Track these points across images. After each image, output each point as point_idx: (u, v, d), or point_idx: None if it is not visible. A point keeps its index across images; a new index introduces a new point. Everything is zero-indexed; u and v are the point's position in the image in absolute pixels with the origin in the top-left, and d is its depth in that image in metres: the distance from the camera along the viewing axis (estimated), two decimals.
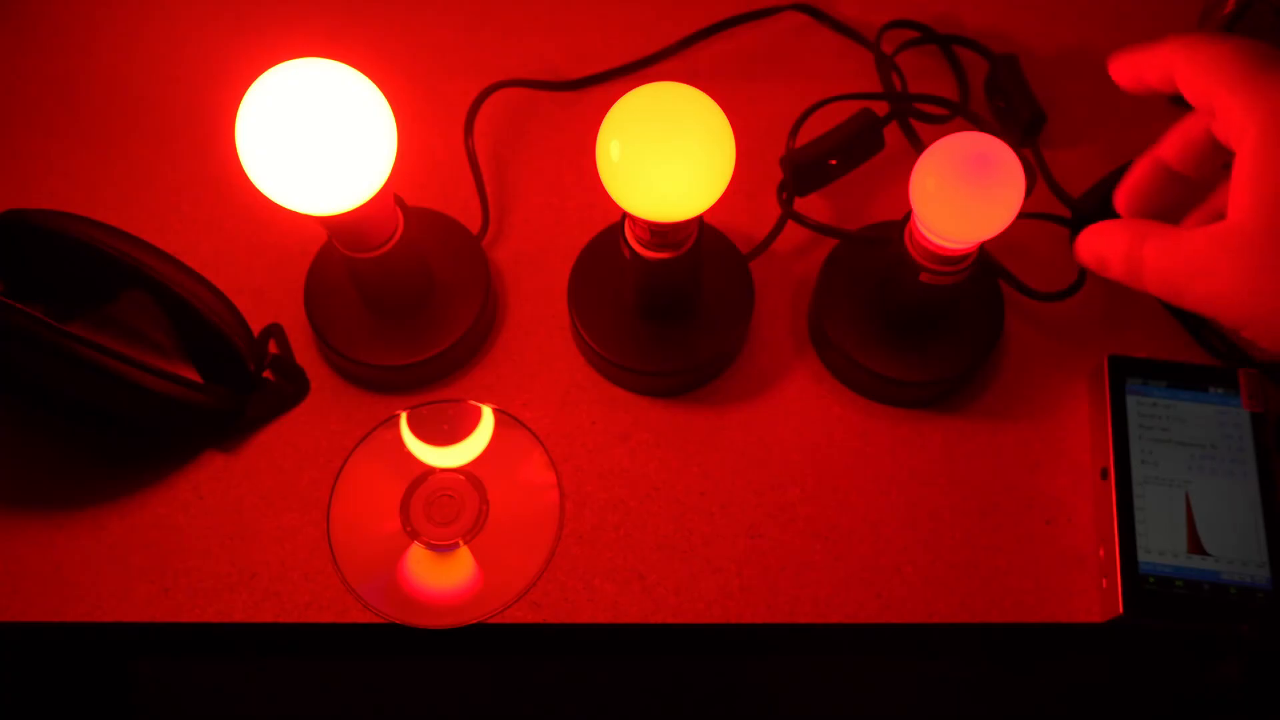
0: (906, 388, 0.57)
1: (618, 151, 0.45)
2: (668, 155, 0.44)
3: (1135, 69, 0.37)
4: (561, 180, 0.65)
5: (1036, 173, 0.64)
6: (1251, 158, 0.31)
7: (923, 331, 0.57)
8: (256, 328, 0.58)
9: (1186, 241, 0.33)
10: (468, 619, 0.52)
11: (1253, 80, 0.32)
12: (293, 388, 0.58)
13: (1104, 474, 0.54)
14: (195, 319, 0.54)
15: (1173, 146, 0.38)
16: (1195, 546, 0.51)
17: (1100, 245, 0.37)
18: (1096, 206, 0.62)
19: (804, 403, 0.58)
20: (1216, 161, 0.38)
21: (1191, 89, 0.34)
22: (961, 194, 0.46)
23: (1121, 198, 0.40)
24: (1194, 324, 0.59)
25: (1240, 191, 0.31)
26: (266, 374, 0.58)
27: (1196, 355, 0.59)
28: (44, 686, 0.76)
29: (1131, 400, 0.55)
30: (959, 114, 0.65)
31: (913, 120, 0.65)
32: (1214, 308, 0.32)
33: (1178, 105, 0.69)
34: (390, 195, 0.52)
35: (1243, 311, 0.32)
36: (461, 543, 0.54)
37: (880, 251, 0.55)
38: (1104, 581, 0.52)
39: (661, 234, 0.49)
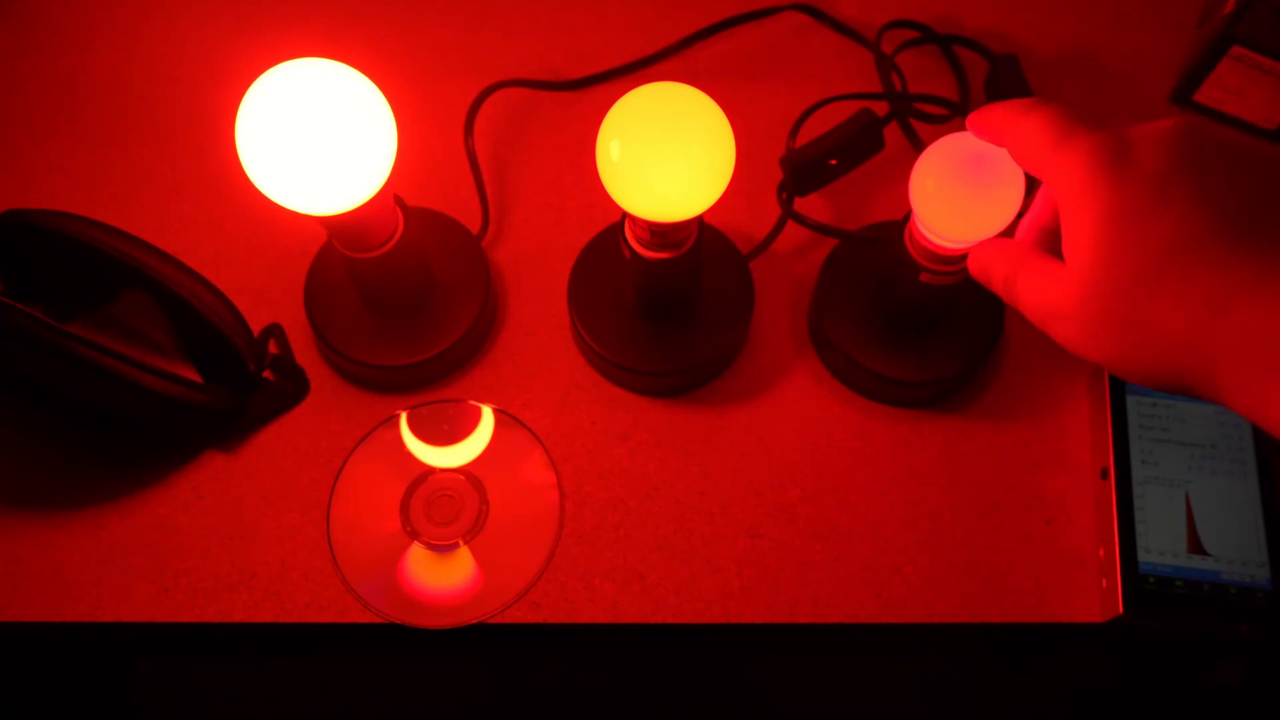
0: (906, 388, 0.57)
1: (618, 151, 0.45)
2: (668, 155, 0.44)
3: (984, 128, 0.41)
4: (561, 180, 0.65)
5: None
6: (1066, 223, 0.35)
7: (923, 331, 0.57)
8: (256, 328, 0.58)
9: (1049, 283, 0.36)
10: (468, 619, 0.52)
11: (1056, 150, 0.35)
12: (293, 388, 0.58)
13: (1104, 474, 0.54)
14: (195, 319, 0.54)
15: (1041, 206, 0.42)
16: (1195, 546, 0.51)
17: (986, 263, 0.41)
18: None
19: (804, 403, 0.58)
20: None
21: (1018, 157, 0.38)
22: (961, 194, 0.46)
23: (1019, 230, 0.43)
24: None
25: (1069, 248, 0.35)
26: (266, 374, 0.58)
27: None
28: (44, 686, 0.76)
29: (1131, 400, 0.55)
30: (959, 114, 0.65)
31: (913, 120, 0.65)
32: (1070, 348, 0.36)
33: (1176, 104, 0.69)
34: (390, 195, 0.52)
35: (1090, 353, 0.35)
36: (461, 543, 0.54)
37: (880, 251, 0.55)
38: (1104, 581, 0.52)
39: (661, 234, 0.49)
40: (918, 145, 0.65)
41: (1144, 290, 0.33)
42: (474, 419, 0.57)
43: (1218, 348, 0.32)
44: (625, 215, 0.51)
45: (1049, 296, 0.36)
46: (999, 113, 0.39)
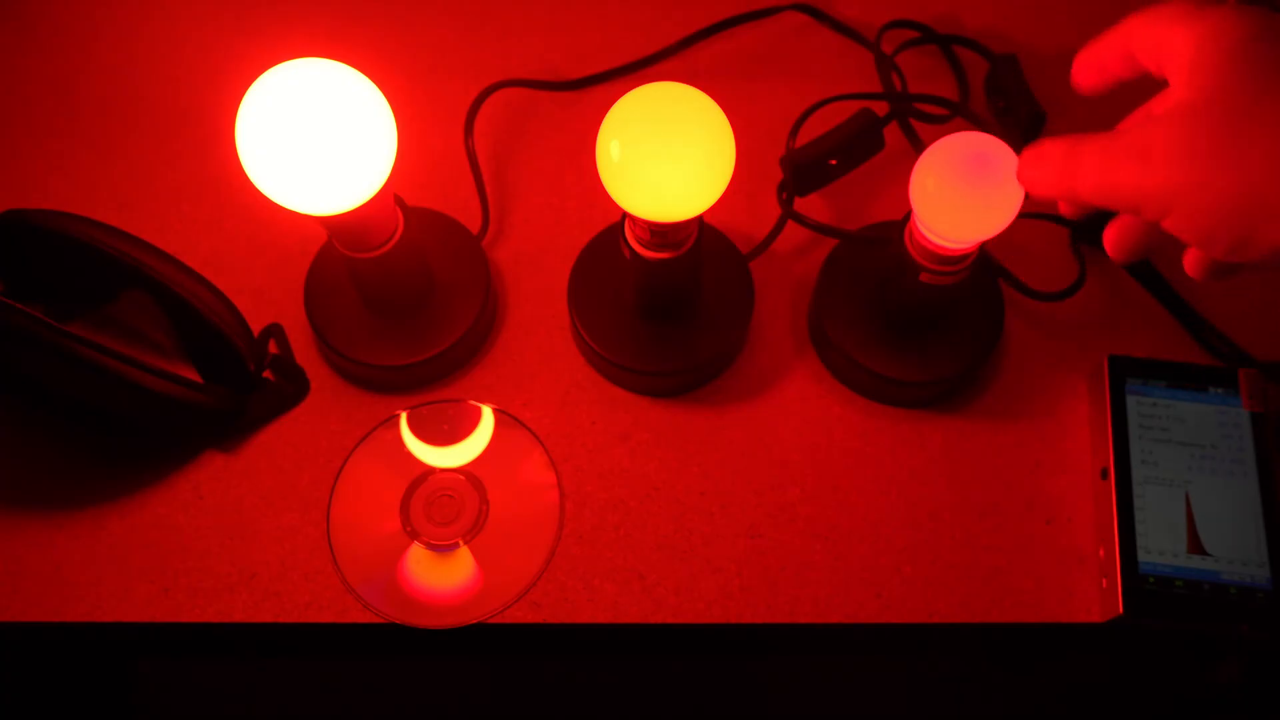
0: (906, 388, 0.57)
1: (618, 151, 0.45)
2: (668, 155, 0.44)
3: (1097, 58, 0.39)
4: (561, 180, 0.65)
5: None
6: (1196, 49, 0.32)
7: (923, 331, 0.57)
8: (256, 328, 0.58)
9: (1124, 130, 0.34)
10: (468, 619, 0.52)
11: (1189, 9, 0.34)
12: (293, 388, 0.58)
13: (1104, 474, 0.54)
14: (195, 319, 0.54)
15: (1103, 41, 0.39)
16: (1195, 546, 0.51)
17: (1039, 154, 0.38)
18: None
19: (804, 403, 0.58)
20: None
21: (1147, 44, 0.36)
22: (961, 194, 0.46)
23: (1074, 77, 0.41)
24: (1194, 324, 0.59)
25: (1181, 79, 0.32)
26: (266, 374, 0.58)
27: (1196, 355, 0.59)
28: (44, 686, 0.76)
29: (1131, 400, 0.55)
30: (959, 114, 0.65)
31: (913, 120, 0.65)
32: (1143, 191, 0.32)
33: None
34: (390, 195, 0.52)
35: (1168, 190, 0.32)
36: (461, 543, 0.54)
37: (880, 251, 0.55)
38: (1104, 581, 0.52)
39: (661, 234, 0.49)
40: (918, 145, 0.65)
41: (1260, 105, 0.30)
42: (474, 419, 0.57)
43: None
44: (625, 215, 0.51)
45: (1130, 140, 0.33)
46: (1122, 22, 0.37)
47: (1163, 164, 0.32)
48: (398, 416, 0.57)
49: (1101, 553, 0.53)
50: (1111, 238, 0.43)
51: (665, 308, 0.57)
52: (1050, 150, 0.37)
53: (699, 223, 0.51)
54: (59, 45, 0.71)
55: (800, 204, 0.62)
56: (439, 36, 0.71)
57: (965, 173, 0.45)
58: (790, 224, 0.61)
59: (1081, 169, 0.35)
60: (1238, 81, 0.31)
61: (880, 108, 0.64)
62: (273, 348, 0.58)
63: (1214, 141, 0.31)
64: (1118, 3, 0.72)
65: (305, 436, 0.57)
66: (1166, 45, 0.34)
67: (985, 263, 0.59)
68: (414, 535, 0.54)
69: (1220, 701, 0.59)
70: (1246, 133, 0.30)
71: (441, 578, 0.54)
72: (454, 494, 0.55)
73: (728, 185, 0.46)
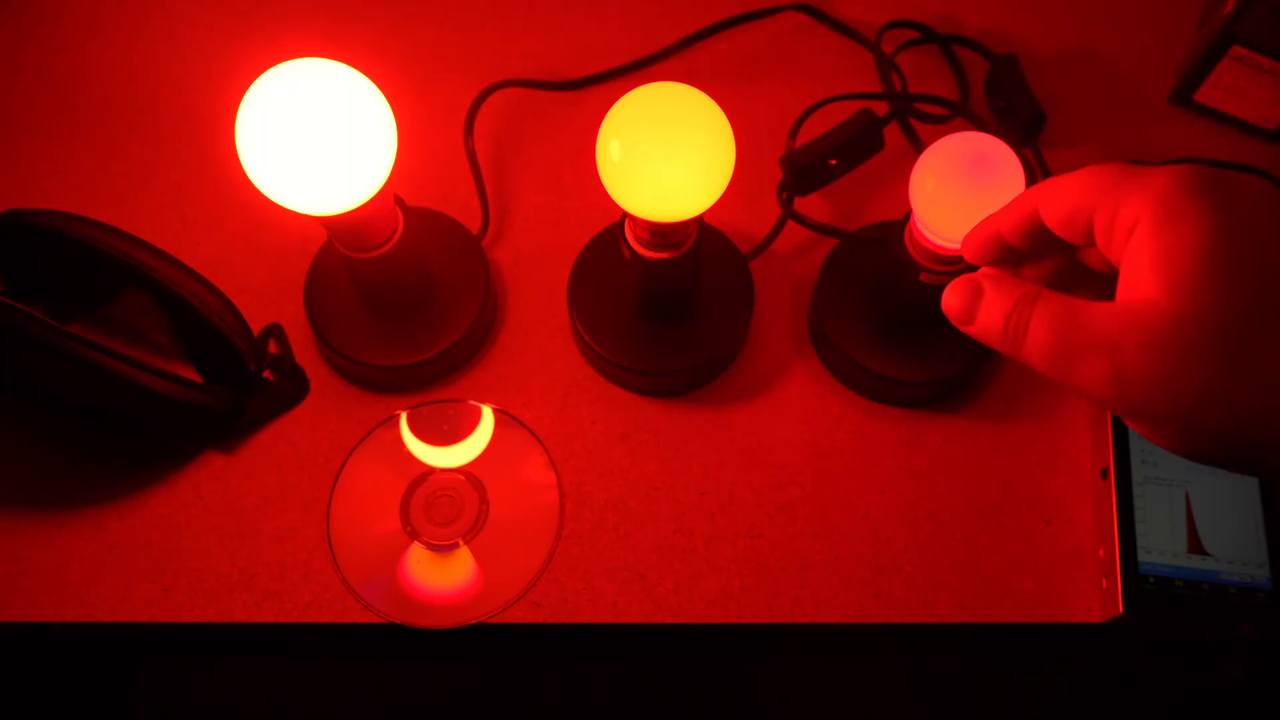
0: (906, 388, 0.56)
1: (618, 151, 0.45)
2: (668, 155, 0.44)
3: (989, 229, 0.35)
4: (561, 180, 0.65)
5: (1037, 173, 0.64)
6: (1153, 237, 0.28)
7: (923, 331, 0.57)
8: (256, 328, 0.58)
9: (1088, 311, 0.29)
10: (468, 619, 0.52)
11: (1130, 176, 0.30)
12: (293, 388, 0.58)
13: (1104, 474, 0.54)
14: (195, 319, 0.54)
15: (1007, 214, 0.35)
16: (1195, 546, 0.51)
17: (984, 289, 0.33)
18: None
19: (804, 403, 0.58)
20: (1050, 249, 0.36)
21: (1060, 212, 0.32)
22: (961, 194, 0.46)
23: (964, 245, 0.37)
24: None
25: (1149, 271, 0.28)
26: (266, 374, 0.58)
27: None
28: (44, 686, 0.76)
29: None
30: (959, 114, 0.65)
31: (913, 120, 0.65)
32: (1112, 390, 0.28)
33: (1176, 104, 0.68)
34: (390, 195, 0.52)
35: (1145, 396, 0.28)
36: (461, 543, 0.54)
37: (880, 251, 0.55)
38: (1104, 581, 0.52)
39: (661, 234, 0.49)
40: (918, 145, 0.65)
41: (1265, 326, 0.27)
42: (474, 419, 0.57)
43: None
44: (625, 215, 0.51)
45: (1094, 323, 0.29)
46: (1024, 193, 0.34)
47: (1141, 381, 0.28)
48: (398, 416, 0.57)
49: (1101, 553, 0.53)
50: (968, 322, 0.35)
51: (665, 308, 0.57)
52: (998, 291, 0.32)
53: (699, 223, 0.51)
54: (59, 45, 0.71)
55: (800, 204, 0.62)
56: (439, 37, 0.71)
57: (965, 173, 0.45)
58: (790, 224, 0.61)
59: (1032, 332, 0.31)
60: (1220, 294, 0.27)
61: (880, 108, 0.64)
62: (273, 348, 0.58)
63: (1204, 366, 0.27)
64: (1118, 3, 0.72)
65: (305, 436, 0.57)
66: (1106, 214, 0.30)
67: None
68: (414, 535, 0.54)
69: (1220, 701, 0.59)
70: (1243, 357, 0.27)
71: (441, 578, 0.54)
72: (454, 494, 0.55)
73: (728, 185, 0.46)
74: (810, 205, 0.63)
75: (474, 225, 0.62)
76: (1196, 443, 0.28)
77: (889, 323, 0.57)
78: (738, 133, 0.46)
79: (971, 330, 0.33)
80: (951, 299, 0.34)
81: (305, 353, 0.59)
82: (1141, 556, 0.51)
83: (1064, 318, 0.30)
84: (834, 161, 0.60)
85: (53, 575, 0.53)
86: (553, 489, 0.55)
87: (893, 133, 0.64)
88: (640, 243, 0.51)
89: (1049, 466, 0.56)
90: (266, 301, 0.60)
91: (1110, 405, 0.30)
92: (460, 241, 0.60)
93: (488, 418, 0.58)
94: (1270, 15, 0.62)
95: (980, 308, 0.32)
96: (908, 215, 0.51)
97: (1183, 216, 0.28)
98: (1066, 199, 0.31)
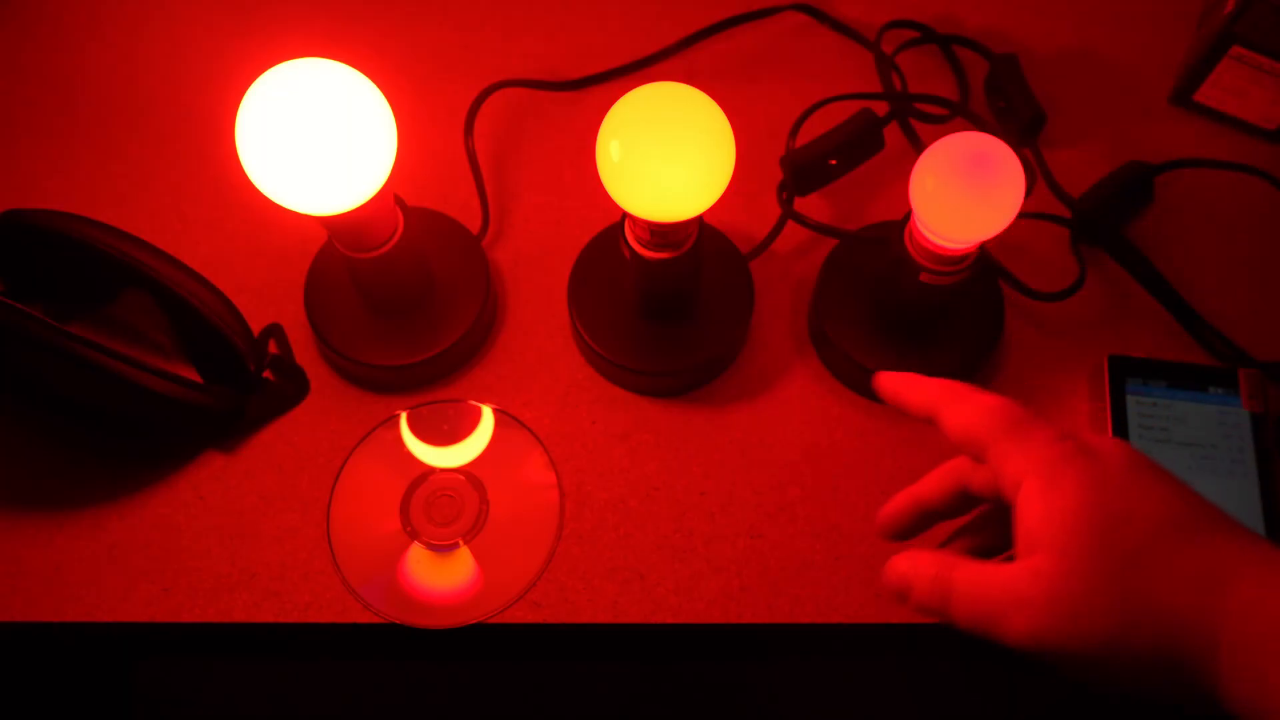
0: None
1: (618, 151, 0.45)
2: (668, 155, 0.44)
3: (899, 394, 0.40)
4: (561, 180, 0.65)
5: (1036, 173, 0.64)
6: (1040, 501, 0.34)
7: (923, 331, 0.57)
8: (256, 328, 0.58)
9: (1000, 574, 0.34)
10: (468, 619, 0.52)
11: (1018, 433, 0.35)
12: (293, 388, 0.58)
13: None
14: (195, 319, 0.54)
15: (932, 489, 0.41)
16: None
17: (907, 570, 0.37)
18: (1096, 206, 0.62)
19: (804, 403, 0.58)
20: (968, 506, 0.41)
21: (956, 433, 0.37)
22: (961, 194, 0.46)
23: (882, 523, 0.42)
24: (1194, 324, 0.59)
25: (1040, 533, 0.34)
26: (266, 374, 0.58)
27: (1196, 355, 0.59)
28: (44, 686, 0.76)
29: (1131, 400, 0.55)
30: (959, 114, 0.65)
31: (913, 120, 0.65)
32: (1032, 643, 0.33)
33: (1176, 104, 0.69)
34: (390, 195, 0.52)
35: (1060, 644, 0.32)
36: (461, 543, 0.54)
37: (880, 251, 0.55)
38: None
39: (661, 234, 0.49)
40: (918, 145, 0.65)
41: (1135, 568, 0.32)
42: (474, 419, 0.57)
43: (1223, 623, 0.31)
44: (625, 215, 0.51)
45: (1004, 586, 0.34)
46: (935, 387, 0.39)
47: (1054, 633, 0.33)
48: (398, 416, 0.57)
49: None
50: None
51: (665, 308, 0.57)
52: (920, 563, 0.36)
53: (699, 223, 0.51)
54: (59, 45, 0.71)
55: (800, 204, 0.62)
56: (439, 37, 0.71)
57: (965, 173, 0.45)
58: (790, 224, 0.61)
59: (955, 596, 0.35)
60: (1095, 549, 0.33)
61: (880, 108, 0.64)
62: (273, 348, 0.58)
63: (1106, 605, 0.32)
64: (1118, 3, 0.72)
65: (305, 436, 0.57)
66: (994, 463, 0.36)
67: (985, 263, 0.59)
68: (414, 535, 0.54)
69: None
70: (1139, 589, 0.32)
71: (441, 578, 0.54)
72: (454, 494, 0.55)
73: (728, 185, 0.46)
74: (810, 205, 0.63)
75: (474, 225, 0.62)
76: (1124, 672, 0.32)
77: (889, 323, 0.57)
78: (738, 133, 0.46)
79: (910, 605, 0.37)
80: (889, 574, 0.38)
81: (305, 353, 0.59)
82: None
83: (982, 580, 0.34)
84: (834, 161, 0.60)
85: (53, 575, 0.53)
86: (553, 489, 0.55)
87: (893, 133, 0.64)
88: (640, 243, 0.51)
89: None
90: (266, 301, 0.60)
91: (1034, 655, 0.33)
92: (460, 241, 0.60)
93: (488, 418, 0.58)
94: (1270, 15, 0.62)
95: (912, 579, 0.37)
96: (908, 215, 0.51)
97: (1059, 486, 0.33)
98: (966, 427, 0.37)
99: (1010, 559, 0.35)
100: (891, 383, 0.40)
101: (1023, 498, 0.34)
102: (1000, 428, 0.36)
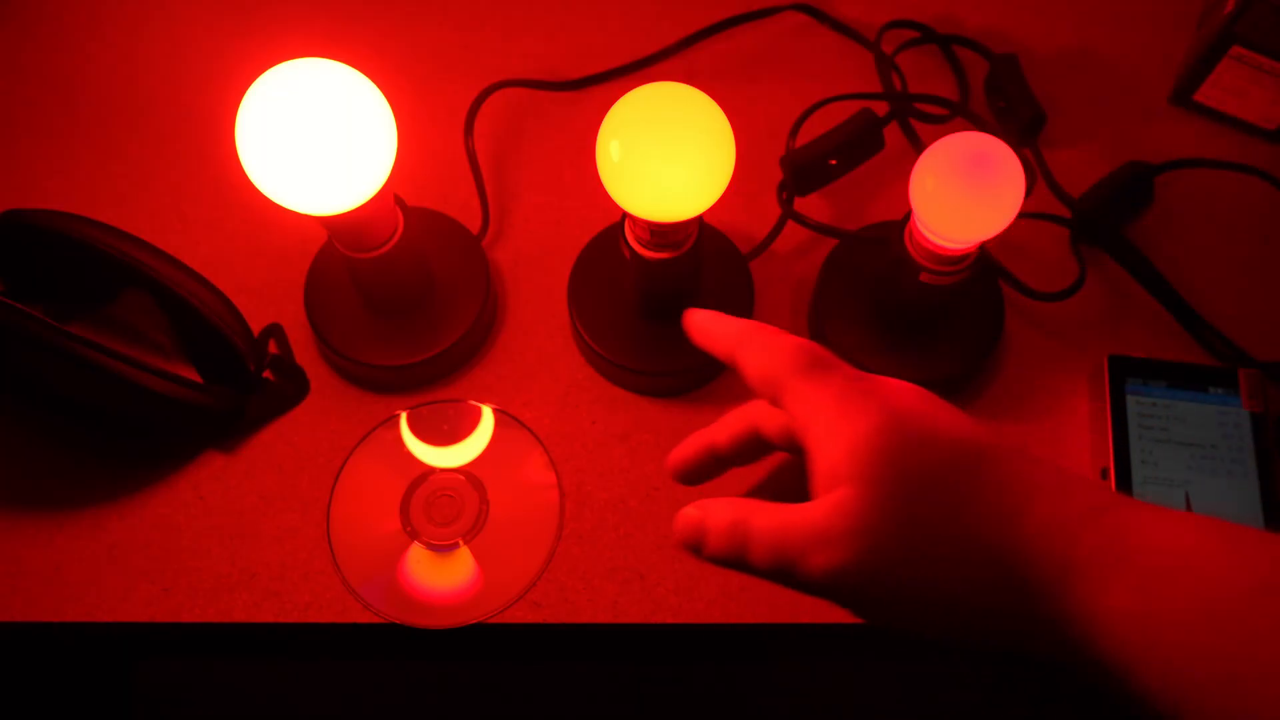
0: None
1: (618, 151, 0.45)
2: (668, 155, 0.44)
3: (705, 334, 0.38)
4: (561, 180, 0.65)
5: (1036, 173, 0.64)
6: (831, 435, 0.32)
7: (923, 331, 0.57)
8: (256, 328, 0.58)
9: (800, 513, 0.32)
10: (468, 619, 0.52)
11: (813, 374, 0.34)
12: (293, 388, 0.58)
13: (1104, 474, 0.54)
14: (195, 319, 0.54)
15: (723, 432, 0.39)
16: None
17: (701, 518, 0.35)
18: (1096, 206, 0.62)
19: None
20: (760, 453, 0.39)
21: (753, 375, 0.35)
22: (961, 194, 0.46)
23: (672, 465, 0.40)
24: (1194, 324, 0.59)
25: (831, 467, 0.32)
26: (266, 374, 0.58)
27: (1196, 355, 0.59)
28: (44, 686, 0.76)
29: (1131, 400, 0.55)
30: (959, 114, 0.65)
31: (913, 120, 0.65)
32: (832, 580, 0.31)
33: (1177, 104, 0.69)
34: (390, 195, 0.52)
35: (860, 580, 0.31)
36: (461, 543, 0.54)
37: (880, 251, 0.55)
38: None
39: (661, 234, 0.49)
40: (918, 145, 0.65)
41: (938, 489, 0.31)
42: (474, 419, 0.57)
43: (1078, 536, 0.30)
44: (625, 215, 0.51)
45: (803, 525, 0.32)
46: (735, 328, 0.37)
47: (855, 569, 0.31)
48: (398, 416, 0.57)
49: None
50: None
51: (665, 308, 0.57)
52: (717, 510, 0.35)
53: (699, 223, 0.51)
54: (59, 45, 0.71)
55: (800, 204, 0.62)
56: (439, 37, 0.71)
57: (965, 173, 0.45)
58: (790, 224, 0.61)
59: (754, 540, 0.33)
60: (893, 478, 0.31)
61: (880, 108, 0.64)
62: (273, 348, 0.58)
63: (892, 541, 0.31)
64: (1118, 3, 0.72)
65: (305, 436, 0.57)
66: (788, 403, 0.34)
67: (985, 263, 0.59)
68: (414, 535, 0.54)
69: None
70: (915, 527, 0.31)
71: (441, 578, 0.54)
72: (454, 494, 0.55)
73: (728, 185, 0.46)
74: (810, 205, 0.63)
75: (474, 225, 0.62)
76: (932, 614, 0.31)
77: (889, 323, 0.57)
78: (738, 133, 0.46)
79: (704, 556, 0.35)
80: (681, 523, 0.36)
81: (305, 353, 0.59)
82: None
83: (783, 521, 0.32)
84: (834, 161, 0.60)
85: (53, 575, 0.53)
86: (553, 489, 0.55)
87: (893, 133, 0.64)
88: (640, 243, 0.51)
89: None
90: (266, 301, 0.60)
91: (838, 597, 0.32)
92: (460, 241, 0.60)
93: (488, 418, 0.58)
94: (1270, 15, 0.62)
95: (708, 526, 0.35)
96: (908, 215, 0.51)
97: (852, 417, 0.32)
98: (762, 368, 0.35)
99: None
100: (698, 319, 0.38)
101: (816, 434, 0.33)
102: (796, 368, 0.34)
